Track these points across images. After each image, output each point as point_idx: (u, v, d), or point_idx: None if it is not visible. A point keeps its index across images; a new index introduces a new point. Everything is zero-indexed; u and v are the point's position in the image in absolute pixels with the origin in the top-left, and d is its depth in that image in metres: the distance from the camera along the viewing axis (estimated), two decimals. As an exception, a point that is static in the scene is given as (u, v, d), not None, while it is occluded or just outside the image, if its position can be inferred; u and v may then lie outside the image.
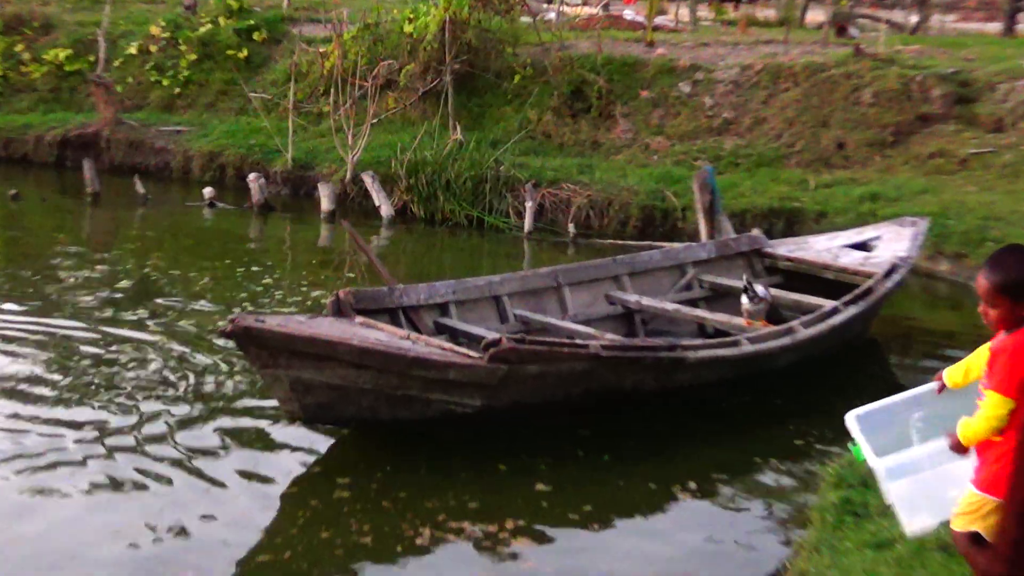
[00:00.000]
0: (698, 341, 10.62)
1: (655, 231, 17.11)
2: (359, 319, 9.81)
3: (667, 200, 17.43)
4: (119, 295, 13.47)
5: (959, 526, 5.22)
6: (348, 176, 18.93)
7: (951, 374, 5.77)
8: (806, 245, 13.48)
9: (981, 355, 5.46)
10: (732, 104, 19.82)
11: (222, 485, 8.61)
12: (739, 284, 11.65)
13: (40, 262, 15.29)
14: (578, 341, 9.93)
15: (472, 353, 9.16)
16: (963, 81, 19.03)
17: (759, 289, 11.38)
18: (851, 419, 5.94)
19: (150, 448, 9.10)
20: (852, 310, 11.08)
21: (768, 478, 8.94)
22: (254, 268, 15.52)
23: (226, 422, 9.73)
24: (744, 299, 11.35)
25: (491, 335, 9.70)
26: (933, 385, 5.93)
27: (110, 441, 9.20)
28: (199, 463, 8.89)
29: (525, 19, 22.89)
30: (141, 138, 21.36)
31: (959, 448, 5.23)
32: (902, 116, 18.54)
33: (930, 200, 16.14)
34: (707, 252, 13.09)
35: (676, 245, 13.83)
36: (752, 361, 10.29)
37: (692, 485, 8.79)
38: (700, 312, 11.65)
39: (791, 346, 10.46)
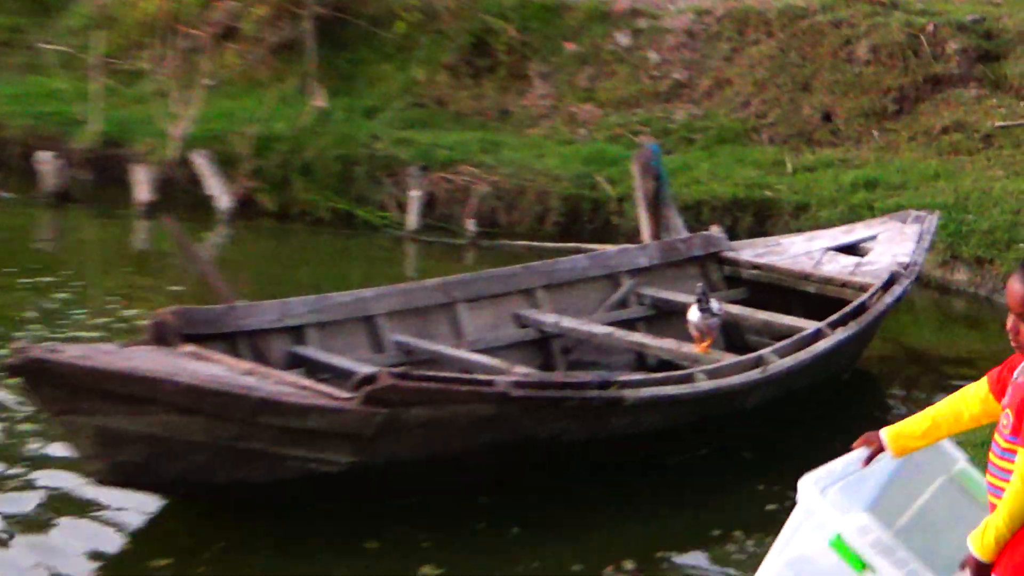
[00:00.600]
0: (640, 375, 10.44)
1: (582, 229, 17.23)
2: (188, 348, 9.56)
3: (598, 188, 17.57)
4: None
5: None
6: (174, 156, 18.83)
7: (906, 431, 5.68)
8: (779, 248, 13.56)
9: (980, 394, 5.48)
10: (685, 61, 20.03)
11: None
12: (691, 300, 11.40)
13: None
14: (480, 377, 9.74)
15: (340, 393, 8.90)
16: (987, 32, 19.30)
17: (714, 303, 11.28)
18: (808, 486, 5.72)
19: None
20: (841, 334, 11.02)
21: (730, 557, 8.97)
22: (46, 278, 15.47)
23: (7, 484, 9.66)
24: (693, 312, 11.18)
25: (363, 369, 9.64)
26: (857, 455, 5.83)
27: None
28: None
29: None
30: None
31: (983, 570, 4.98)
32: (907, 78, 18.74)
33: (944, 188, 16.40)
34: (649, 258, 13.04)
35: (609, 248, 13.87)
36: (711, 401, 10.11)
37: (630, 567, 8.81)
38: (640, 337, 11.50)
39: (761, 381, 10.33)
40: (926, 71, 18.75)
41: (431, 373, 9.47)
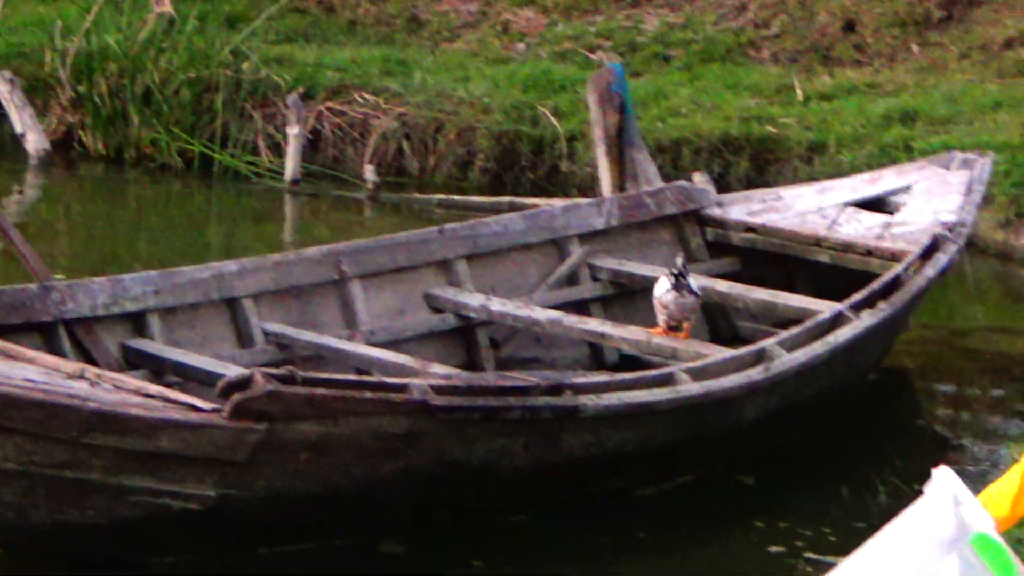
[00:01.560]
0: (601, 377, 10.20)
1: (521, 178, 17.38)
2: None
3: (541, 123, 17.66)
4: None
5: None
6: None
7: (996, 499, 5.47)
8: (781, 204, 13.39)
9: None
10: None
11: None
12: (661, 274, 11.26)
13: None
14: (389, 380, 9.54)
15: (201, 404, 8.59)
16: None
17: (691, 281, 11.03)
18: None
19: None
20: (868, 318, 10.77)
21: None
22: None
23: None
24: (662, 286, 10.96)
25: (229, 370, 9.54)
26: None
27: None
28: None
29: None
30: None
31: None
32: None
33: (1007, 122, 16.58)
34: (607, 217, 12.84)
35: (554, 205, 13.84)
36: (697, 411, 9.78)
37: None
38: (596, 325, 11.33)
39: (764, 383, 9.99)
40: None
41: (324, 376, 9.07)
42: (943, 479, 5.22)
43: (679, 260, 11.08)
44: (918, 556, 5.11)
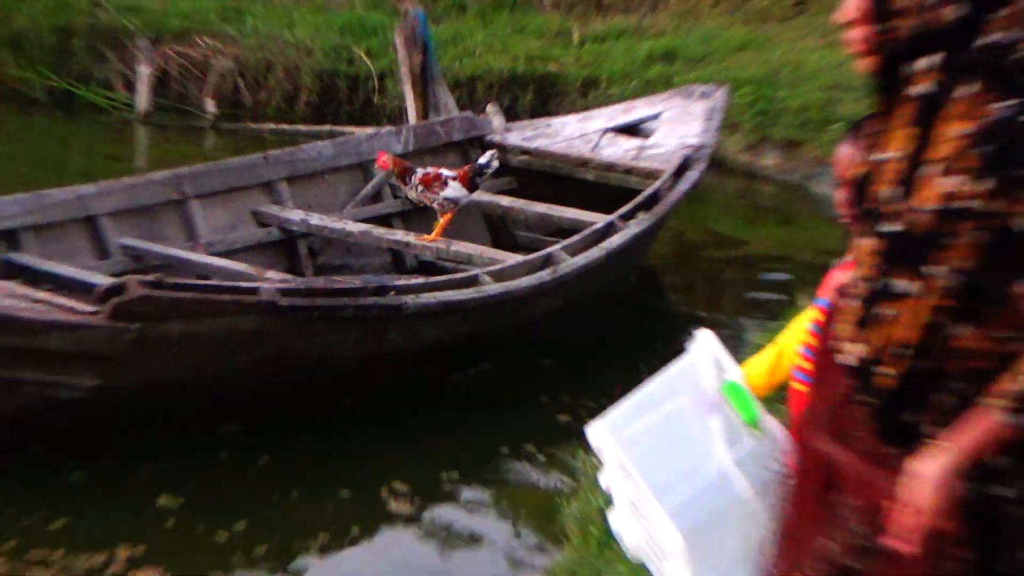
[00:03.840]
0: (419, 280, 10.42)
1: (339, 110, 17.55)
2: None
3: (356, 63, 17.85)
4: None
5: None
6: None
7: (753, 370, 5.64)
8: (550, 131, 13.73)
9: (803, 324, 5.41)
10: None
11: None
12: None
13: None
14: (244, 284, 9.61)
15: (83, 307, 8.67)
16: None
17: (452, 188, 11.37)
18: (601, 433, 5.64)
19: None
20: (635, 227, 11.21)
21: (517, 475, 9.39)
22: None
23: None
24: (451, 189, 11.29)
25: (93, 278, 9.62)
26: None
27: None
28: None
29: None
30: None
31: None
32: None
33: (751, 60, 16.91)
34: (403, 143, 13.06)
35: (359, 133, 14.07)
36: (499, 307, 10.21)
37: (403, 489, 9.14)
38: (401, 235, 11.57)
39: (552, 283, 10.39)
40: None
41: (188, 281, 9.38)
42: (704, 339, 5.55)
43: (483, 161, 11.63)
44: (685, 404, 5.34)
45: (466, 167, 11.63)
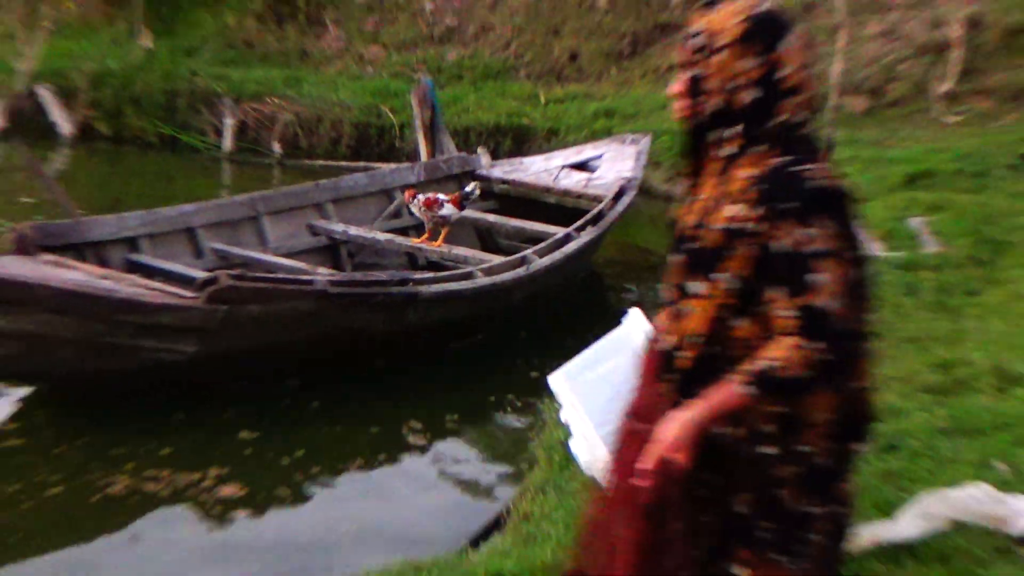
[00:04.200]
0: (430, 275, 10.41)
1: (371, 151, 17.41)
2: (47, 257, 9.39)
3: (383, 116, 17.76)
4: None
5: None
6: (22, 89, 18.64)
7: None
8: (522, 167, 13.83)
9: None
10: (455, 10, 20.18)
11: None
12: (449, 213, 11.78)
13: None
14: (303, 277, 9.72)
15: (186, 293, 8.85)
16: (704, -12, 19.56)
17: (448, 208, 11.55)
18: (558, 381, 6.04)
19: None
20: (586, 236, 11.42)
21: (500, 417, 9.39)
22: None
23: None
24: (448, 207, 11.51)
25: (192, 273, 9.68)
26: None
27: None
28: None
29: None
30: None
31: None
32: (640, 24, 19.22)
33: (668, 116, 16.50)
34: (416, 175, 13.13)
35: (385, 167, 14.02)
36: (487, 295, 10.35)
37: (418, 427, 9.13)
38: (414, 242, 11.56)
39: (526, 278, 10.61)
40: (655, 19, 19.22)
41: (261, 275, 9.39)
42: (635, 315, 5.84)
43: (468, 190, 11.86)
44: (620, 361, 5.30)
45: (457, 193, 11.74)
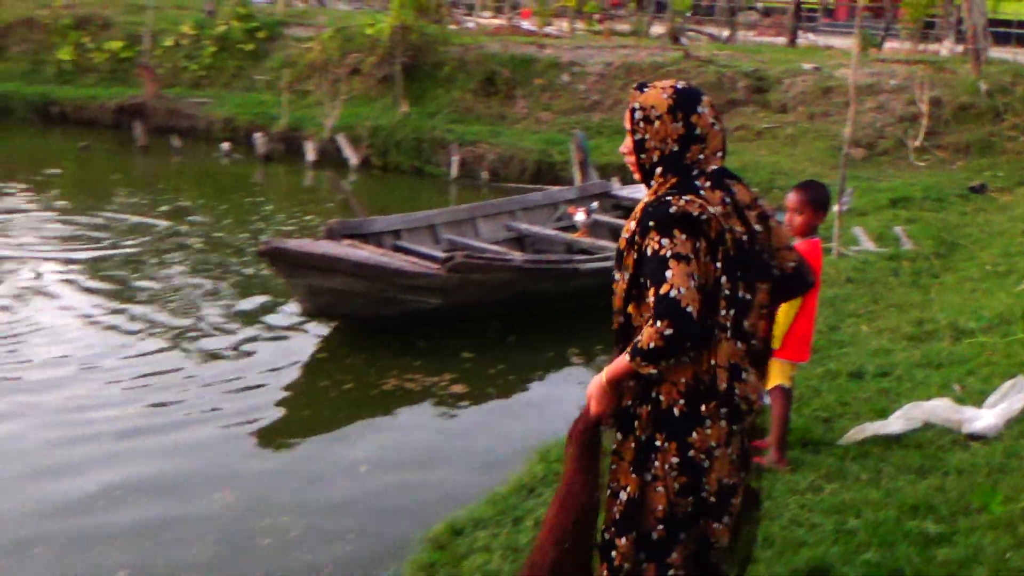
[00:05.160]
0: (583, 257, 10.26)
1: (544, 178, 17.10)
2: (347, 242, 9.57)
3: (552, 156, 17.51)
4: (161, 225, 13.49)
5: None
6: (326, 136, 18.89)
7: None
8: (641, 190, 13.35)
9: None
10: (598, 90, 19.93)
11: (262, 345, 9.06)
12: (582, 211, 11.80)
13: (102, 194, 15.38)
14: (506, 257, 9.82)
15: (433, 266, 9.01)
16: (759, 76, 19.41)
17: (580, 214, 11.56)
18: None
19: (203, 338, 9.32)
20: None
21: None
22: (259, 200, 15.74)
23: (258, 314, 9.98)
24: (580, 215, 11.56)
25: (433, 253, 9.73)
26: None
27: (176, 325, 9.56)
28: (250, 345, 9.13)
29: (452, 27, 22.98)
30: (176, 107, 21.21)
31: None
32: (717, 100, 18.43)
33: (735, 160, 16.21)
34: (573, 193, 12.83)
35: (553, 189, 13.83)
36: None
37: (576, 352, 9.18)
38: (570, 236, 11.36)
39: None
40: (727, 96, 18.71)
41: (479, 256, 9.41)
42: None
43: (592, 206, 11.71)
44: None
45: (587, 207, 11.68)
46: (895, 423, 5.78)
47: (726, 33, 28.19)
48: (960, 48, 22.59)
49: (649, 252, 3.35)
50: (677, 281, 3.27)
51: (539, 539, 3.78)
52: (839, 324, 8.23)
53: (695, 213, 3.36)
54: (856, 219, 12.30)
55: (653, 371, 3.37)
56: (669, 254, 3.31)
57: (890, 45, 24.90)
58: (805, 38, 27.14)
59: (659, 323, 3.27)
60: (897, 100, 17.70)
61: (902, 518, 4.89)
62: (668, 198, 3.40)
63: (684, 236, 3.33)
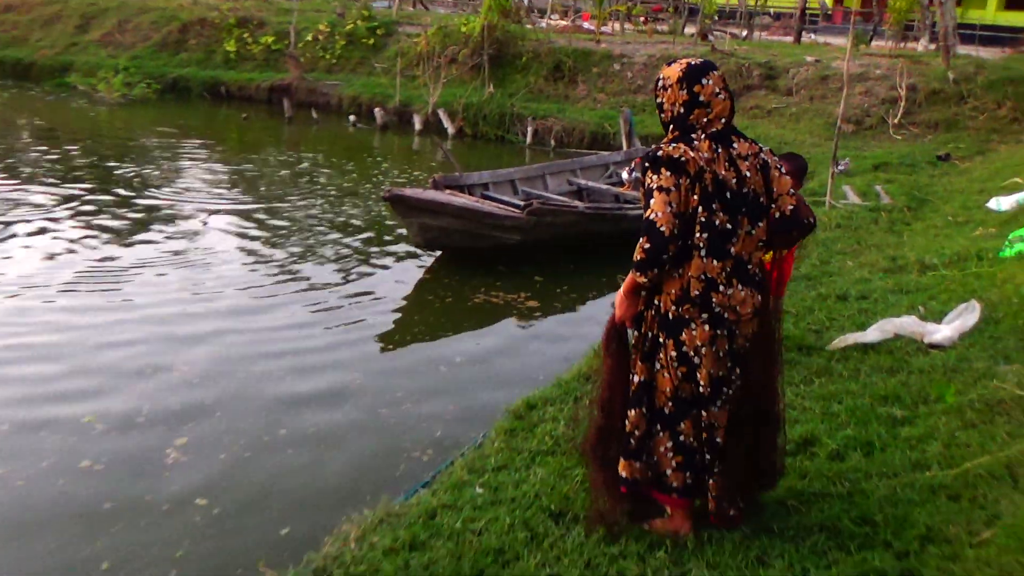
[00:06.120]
0: (628, 205, 10.05)
1: (599, 145, 16.91)
2: (448, 191, 9.46)
3: (605, 128, 17.32)
4: (304, 177, 13.67)
5: None
6: (430, 111, 18.85)
7: None
8: None
9: None
10: (643, 76, 19.61)
11: (382, 269, 9.04)
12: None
13: (259, 154, 15.56)
14: (572, 204, 9.68)
15: (516, 211, 8.89)
16: (770, 67, 19.00)
17: (625, 172, 11.34)
18: None
19: (329, 269, 9.43)
20: None
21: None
22: (378, 158, 15.79)
23: (382, 245, 10.03)
24: (624, 174, 11.35)
25: (514, 200, 9.63)
26: None
27: (321, 252, 9.63)
28: (373, 268, 9.17)
29: (528, 26, 22.75)
30: (314, 87, 21.31)
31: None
32: (736, 85, 18.28)
33: (749, 134, 15.80)
34: (621, 157, 12.62)
35: (605, 153, 13.65)
36: None
37: (622, 277, 8.86)
38: (617, 190, 11.14)
39: None
40: (744, 83, 18.38)
41: (550, 204, 9.26)
42: None
43: (632, 167, 11.20)
44: None
45: (630, 167, 11.35)
46: (871, 334, 5.74)
47: (745, 32, 27.63)
48: (933, 46, 22.02)
49: (645, 186, 3.38)
50: (656, 207, 3.29)
51: (588, 408, 3.87)
52: (829, 259, 8.15)
53: (676, 156, 3.34)
54: (845, 179, 12.09)
55: (643, 280, 3.37)
56: (655, 187, 3.33)
57: (877, 43, 24.38)
58: (808, 37, 26.58)
59: (641, 239, 3.31)
60: (881, 86, 17.24)
61: (875, 404, 4.91)
62: (662, 146, 3.42)
63: (668, 173, 3.31)
